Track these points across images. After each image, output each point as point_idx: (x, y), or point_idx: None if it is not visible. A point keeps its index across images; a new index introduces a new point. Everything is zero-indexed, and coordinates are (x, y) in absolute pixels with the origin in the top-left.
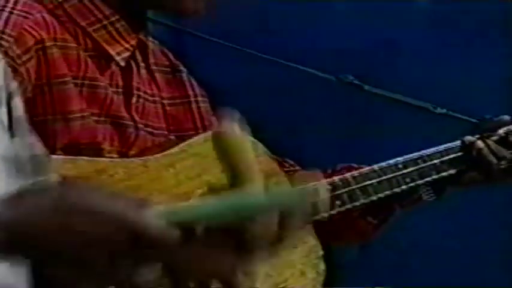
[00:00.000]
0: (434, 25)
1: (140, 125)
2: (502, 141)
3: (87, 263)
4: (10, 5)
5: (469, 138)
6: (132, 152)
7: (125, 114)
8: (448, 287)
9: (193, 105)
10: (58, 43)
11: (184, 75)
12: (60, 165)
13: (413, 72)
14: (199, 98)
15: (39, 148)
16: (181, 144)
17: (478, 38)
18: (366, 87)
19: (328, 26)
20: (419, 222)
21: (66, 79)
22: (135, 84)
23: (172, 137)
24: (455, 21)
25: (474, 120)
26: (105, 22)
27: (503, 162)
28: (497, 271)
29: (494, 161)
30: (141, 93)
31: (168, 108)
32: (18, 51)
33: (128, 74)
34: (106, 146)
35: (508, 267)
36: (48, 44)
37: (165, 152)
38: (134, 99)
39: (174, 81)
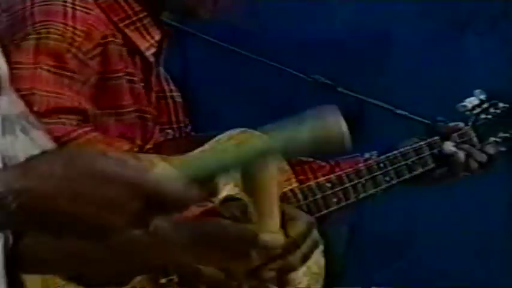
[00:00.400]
0: (426, 16)
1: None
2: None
3: (102, 231)
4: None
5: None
6: (148, 146)
7: (148, 109)
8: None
9: (169, 100)
10: (112, 39)
11: (161, 70)
12: None
13: (404, 64)
14: (174, 94)
15: (22, 105)
16: (211, 141)
17: (470, 29)
18: (339, 88)
19: (318, 18)
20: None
21: (120, 74)
22: (153, 80)
23: (169, 131)
24: (446, 12)
25: (428, 122)
26: (134, 18)
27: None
28: (498, 261)
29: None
30: (156, 89)
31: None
32: (89, 46)
33: (148, 70)
34: (138, 140)
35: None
36: (109, 39)
37: (200, 149)
38: (153, 95)
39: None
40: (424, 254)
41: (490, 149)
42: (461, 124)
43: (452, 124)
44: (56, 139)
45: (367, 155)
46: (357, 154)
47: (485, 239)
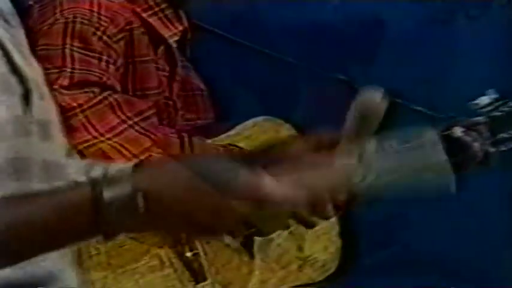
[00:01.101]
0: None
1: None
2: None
3: (216, 231)
4: None
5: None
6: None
7: (169, 96)
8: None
9: (201, 97)
10: (137, 25)
11: (189, 65)
12: None
13: (398, 49)
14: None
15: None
16: (237, 127)
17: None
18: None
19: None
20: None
21: (147, 58)
22: (178, 71)
23: (198, 121)
24: None
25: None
26: (156, 9)
27: None
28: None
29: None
30: (179, 79)
31: None
32: (114, 31)
33: (173, 60)
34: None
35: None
36: (134, 25)
37: (227, 133)
38: (176, 85)
39: None
40: (417, 240)
41: (500, 145)
42: (480, 119)
43: (471, 119)
44: (79, 106)
45: None
46: None
47: (480, 225)
